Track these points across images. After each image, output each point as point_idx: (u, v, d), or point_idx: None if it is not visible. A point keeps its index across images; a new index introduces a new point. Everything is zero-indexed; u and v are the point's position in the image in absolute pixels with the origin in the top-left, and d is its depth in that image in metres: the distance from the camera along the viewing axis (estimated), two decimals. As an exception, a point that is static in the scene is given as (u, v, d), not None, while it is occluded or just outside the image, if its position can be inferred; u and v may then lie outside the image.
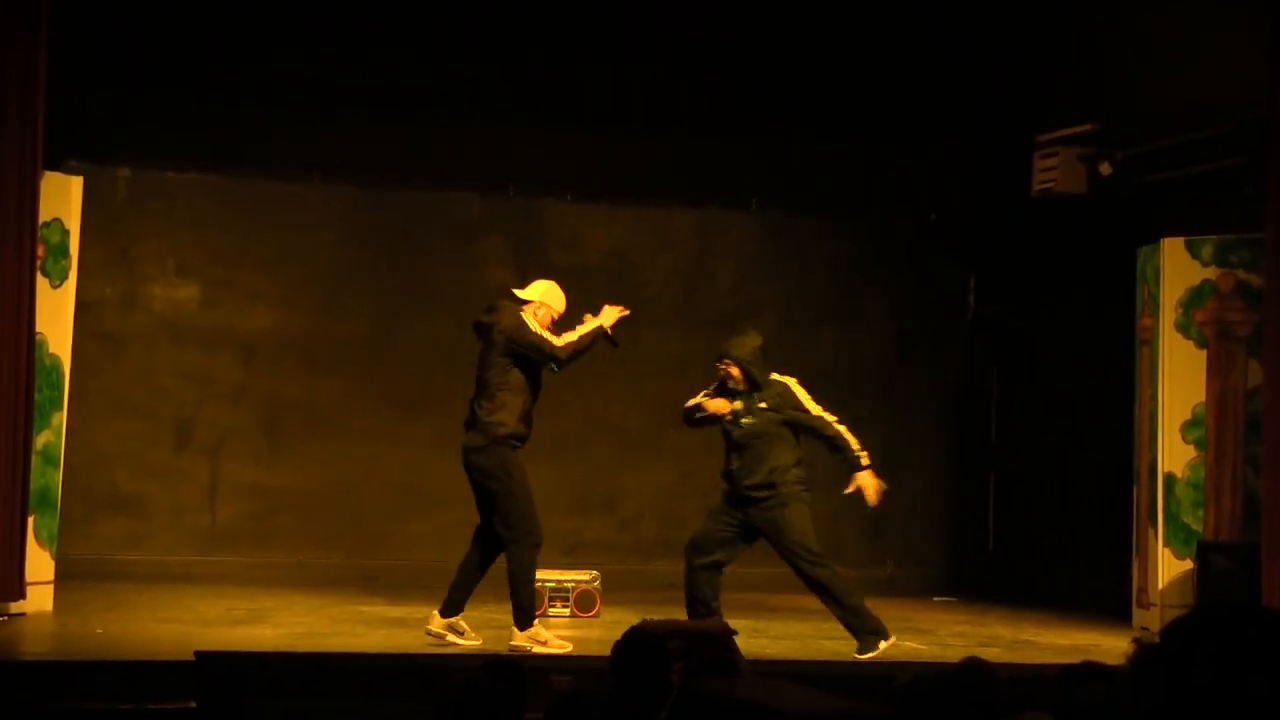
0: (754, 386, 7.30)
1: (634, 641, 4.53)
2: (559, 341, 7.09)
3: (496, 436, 7.15)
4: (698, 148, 10.61)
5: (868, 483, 7.29)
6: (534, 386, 7.26)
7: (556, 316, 7.28)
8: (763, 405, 7.28)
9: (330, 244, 10.45)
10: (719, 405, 7.31)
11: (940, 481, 11.14)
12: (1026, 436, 10.88)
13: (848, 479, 7.45)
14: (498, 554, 7.26)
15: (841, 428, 7.32)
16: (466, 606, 7.35)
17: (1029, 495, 10.82)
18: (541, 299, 7.33)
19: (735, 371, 7.28)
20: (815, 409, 7.35)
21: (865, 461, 7.26)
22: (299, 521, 10.20)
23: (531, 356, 7.14)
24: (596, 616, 8.63)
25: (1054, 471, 10.52)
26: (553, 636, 7.24)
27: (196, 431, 10.14)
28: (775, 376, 7.37)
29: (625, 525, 10.61)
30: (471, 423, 7.21)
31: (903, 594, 10.60)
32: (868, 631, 7.31)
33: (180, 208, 10.22)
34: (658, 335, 10.51)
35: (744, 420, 7.32)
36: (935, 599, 10.60)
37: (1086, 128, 9.64)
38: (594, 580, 8.74)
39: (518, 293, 7.39)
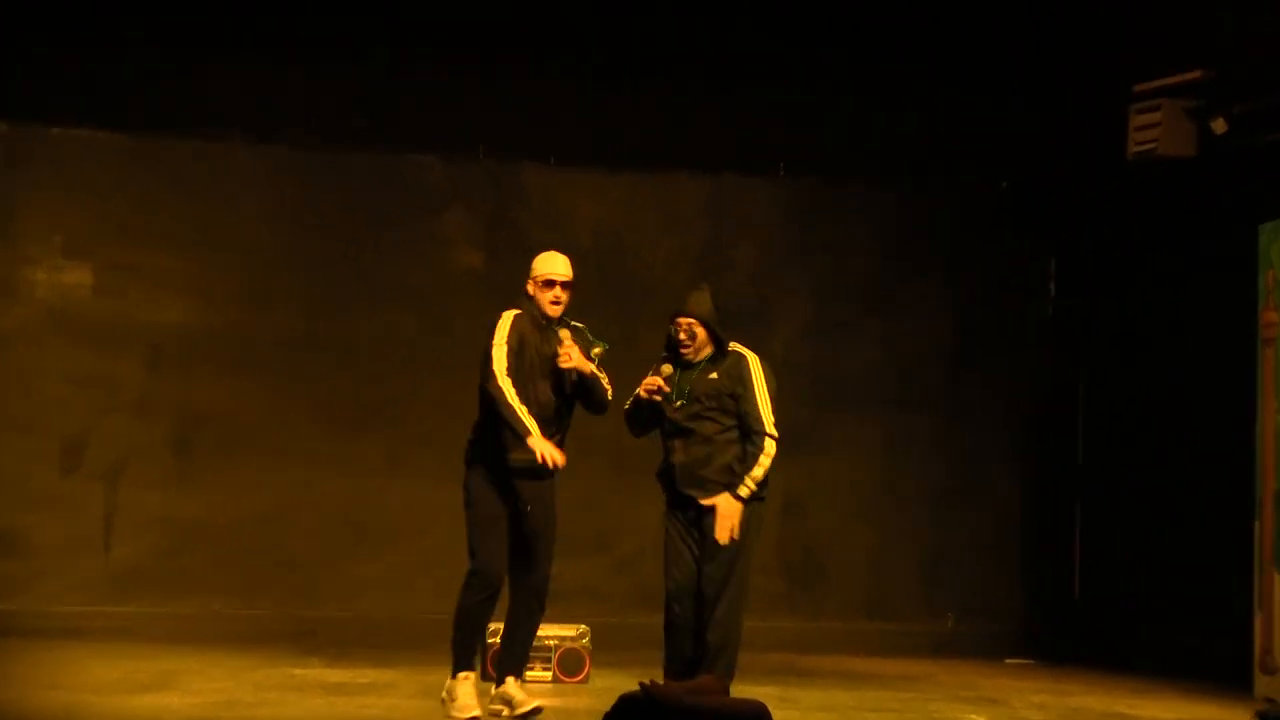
0: (718, 352, 7.25)
1: (628, 711, 4.45)
2: (501, 378, 7.00)
3: (465, 455, 7.32)
4: (711, 100, 10.60)
5: (727, 509, 7.05)
6: (547, 394, 7.19)
7: (540, 280, 7.20)
8: (713, 377, 7.20)
9: (258, 218, 10.42)
10: (652, 381, 7.20)
11: (1013, 514, 11.13)
12: (1120, 458, 10.84)
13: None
14: (524, 601, 7.32)
15: (769, 447, 7.12)
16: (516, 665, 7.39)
17: (1124, 531, 10.77)
18: (532, 268, 7.35)
19: (701, 332, 7.21)
20: (763, 400, 7.18)
21: (746, 493, 7.07)
22: (217, 562, 10.25)
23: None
24: (585, 682, 8.66)
25: (1155, 502, 10.51)
26: (469, 700, 7.14)
27: (90, 450, 10.20)
28: (735, 346, 7.29)
29: (621, 567, 10.65)
30: None
31: (967, 654, 10.66)
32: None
33: (70, 172, 10.22)
34: (661, 334, 10.24)
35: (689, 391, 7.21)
36: (1008, 661, 10.68)
37: (1196, 75, 9.65)
38: (582, 637, 8.76)
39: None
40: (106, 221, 10.26)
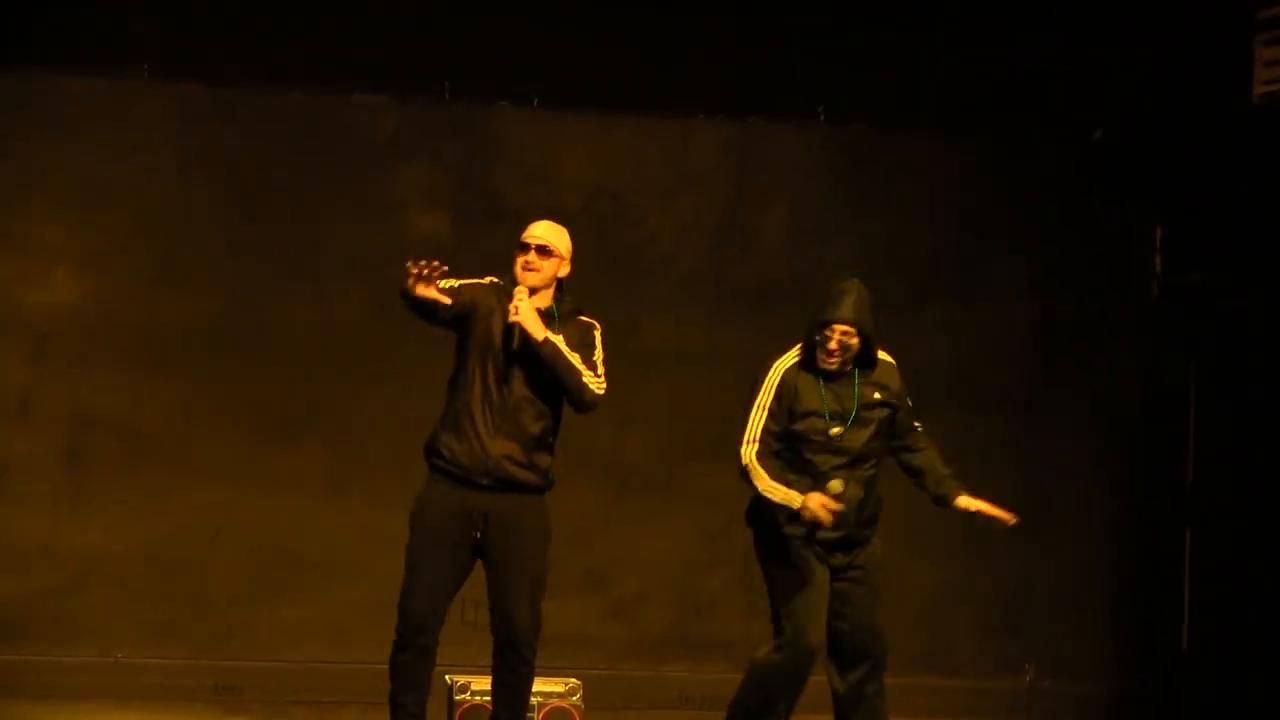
0: (867, 364, 7.63)
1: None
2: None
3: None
4: (734, 26, 10.59)
5: (976, 503, 7.67)
6: (472, 380, 7.43)
7: (517, 245, 7.53)
8: (877, 396, 7.60)
9: (167, 174, 10.40)
10: (826, 503, 7.38)
11: (1106, 546, 11.10)
12: (1241, 477, 10.77)
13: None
14: (499, 654, 7.48)
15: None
16: None
17: (1244, 568, 10.70)
18: None
19: (856, 344, 7.56)
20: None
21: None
22: (117, 602, 10.27)
23: None
24: (575, 750, 8.78)
25: (1284, 531, 10.45)
26: None
27: (-42, 464, 10.23)
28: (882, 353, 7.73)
29: (620, 609, 10.72)
30: None
31: (1050, 717, 10.76)
32: None
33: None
34: (669, 322, 10.64)
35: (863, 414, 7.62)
36: (1099, 727, 10.61)
37: (1338, -2, 9.79)
38: (572, 693, 8.87)
39: None
40: (-25, 178, 10.27)
